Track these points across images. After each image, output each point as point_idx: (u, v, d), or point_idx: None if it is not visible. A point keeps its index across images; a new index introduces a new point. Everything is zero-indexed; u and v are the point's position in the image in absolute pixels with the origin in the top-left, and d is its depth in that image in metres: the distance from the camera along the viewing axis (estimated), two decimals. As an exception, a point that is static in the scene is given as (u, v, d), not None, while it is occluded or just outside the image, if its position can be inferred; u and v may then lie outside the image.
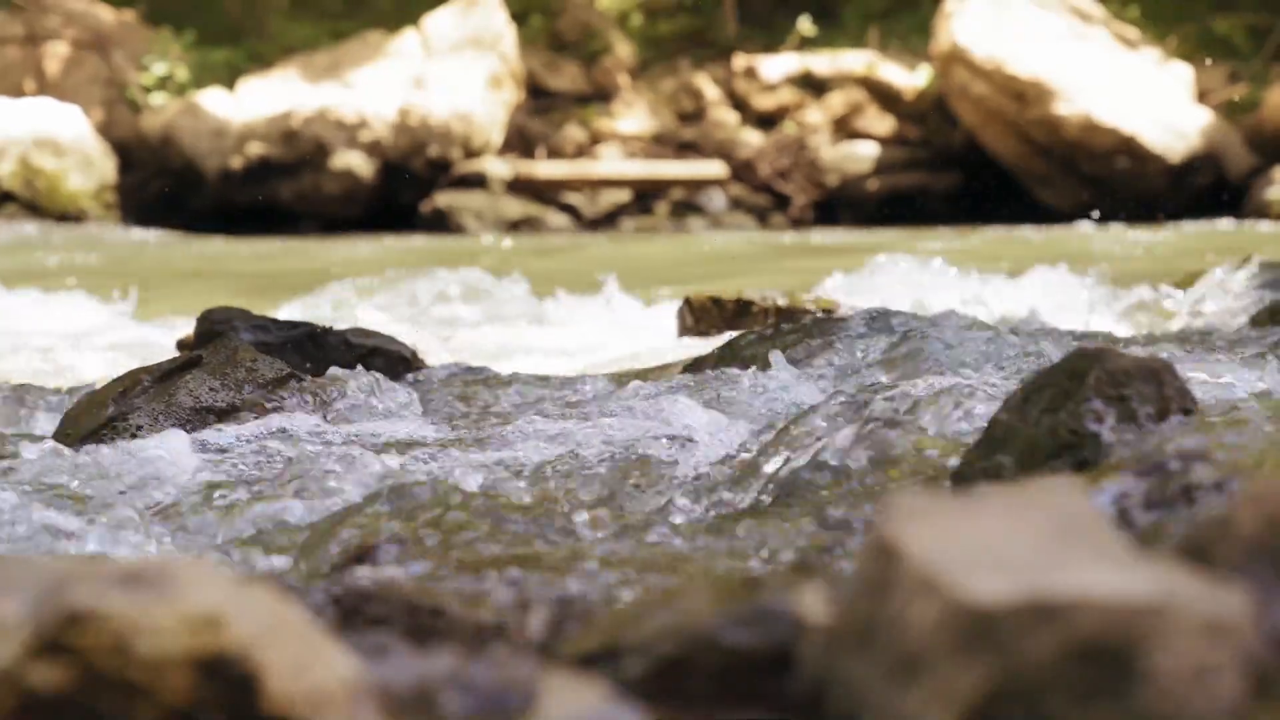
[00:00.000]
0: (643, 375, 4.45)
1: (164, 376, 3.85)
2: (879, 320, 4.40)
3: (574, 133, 20.92)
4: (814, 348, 4.26)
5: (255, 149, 19.47)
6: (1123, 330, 5.76)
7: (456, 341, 7.12)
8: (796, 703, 1.38)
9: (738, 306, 6.28)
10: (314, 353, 4.50)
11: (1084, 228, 17.03)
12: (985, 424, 2.54)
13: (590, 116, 21.12)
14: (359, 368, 4.05)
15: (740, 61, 21.40)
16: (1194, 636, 1.25)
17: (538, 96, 21.14)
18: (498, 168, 19.91)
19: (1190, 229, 16.58)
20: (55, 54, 20.75)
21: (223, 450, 3.45)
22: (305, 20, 22.07)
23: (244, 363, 3.86)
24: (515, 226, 19.43)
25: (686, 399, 3.68)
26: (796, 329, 4.42)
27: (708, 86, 21.34)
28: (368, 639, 1.53)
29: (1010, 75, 19.08)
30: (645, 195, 20.16)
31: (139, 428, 3.70)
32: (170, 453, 3.27)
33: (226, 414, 3.77)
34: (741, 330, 4.95)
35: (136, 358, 5.93)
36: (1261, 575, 1.40)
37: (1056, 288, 8.14)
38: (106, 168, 19.70)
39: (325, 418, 3.75)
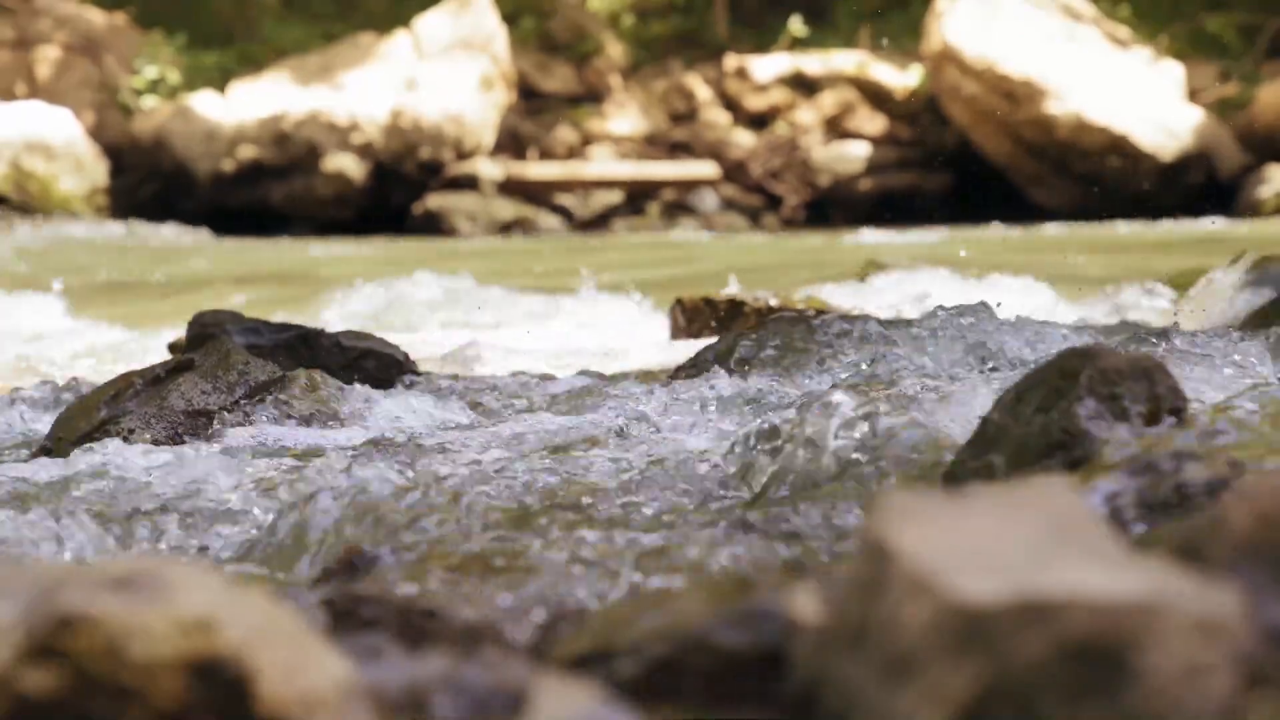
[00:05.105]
0: (635, 376, 4.45)
1: (156, 380, 3.84)
2: (870, 320, 4.40)
3: (566, 134, 20.92)
4: (805, 348, 4.26)
5: (247, 152, 19.46)
6: (1115, 329, 5.76)
7: (448, 344, 7.12)
8: (789, 703, 1.38)
9: (729, 307, 6.28)
10: (306, 355, 4.49)
11: (1076, 227, 17.04)
12: (977, 423, 2.54)
13: (582, 118, 21.12)
14: (350, 371, 4.04)
15: (731, 62, 21.40)
16: (1186, 635, 1.25)
17: (529, 98, 21.14)
18: (489, 169, 19.90)
19: (1182, 228, 16.60)
20: (46, 57, 20.73)
21: (214, 454, 3.44)
22: (296, 23, 22.06)
23: (236, 366, 3.85)
24: (507, 228, 19.43)
25: (678, 400, 3.68)
26: (788, 329, 4.42)
27: (699, 87, 21.35)
28: (360, 641, 1.53)
29: (1002, 75, 19.10)
30: (637, 196, 20.16)
31: (131, 431, 3.70)
32: (160, 457, 3.26)
33: (217, 417, 3.77)
34: (732, 331, 4.95)
35: (128, 361, 5.93)
36: (1253, 574, 1.40)
37: (1048, 287, 8.14)
38: (98, 171, 19.68)
39: (316, 421, 3.75)
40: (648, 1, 22.43)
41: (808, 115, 20.76)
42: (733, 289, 6.68)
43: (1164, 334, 3.88)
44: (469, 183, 19.81)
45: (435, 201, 19.65)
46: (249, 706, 1.26)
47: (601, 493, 2.89)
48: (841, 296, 7.39)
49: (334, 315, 8.52)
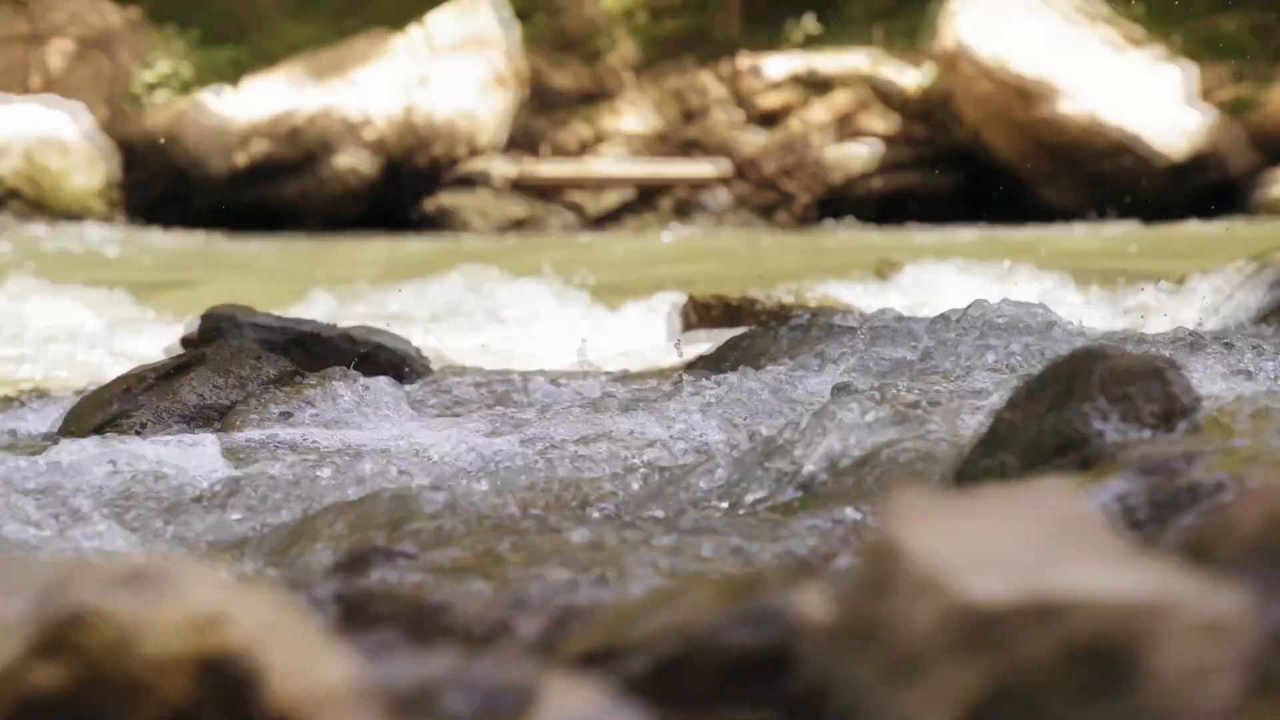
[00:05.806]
0: (644, 375, 4.46)
1: (167, 375, 3.85)
2: (880, 320, 4.40)
3: (576, 132, 20.92)
4: (815, 347, 4.26)
5: (257, 148, 19.48)
6: (1125, 328, 5.75)
7: (457, 341, 7.12)
8: (796, 702, 1.38)
9: (739, 305, 6.28)
10: (316, 351, 4.50)
11: (1086, 227, 17.02)
12: (987, 423, 2.54)
13: (592, 115, 21.12)
14: (360, 366, 4.05)
15: (742, 60, 21.39)
16: (1193, 636, 1.25)
17: (540, 95, 21.13)
18: (500, 167, 19.90)
19: (1192, 228, 16.57)
20: (58, 52, 20.75)
21: (225, 449, 3.45)
22: (308, 19, 22.06)
23: (246, 361, 3.86)
24: (517, 226, 19.43)
25: (687, 398, 3.68)
26: (798, 328, 4.43)
27: (710, 85, 21.34)
28: (369, 638, 1.53)
29: (1013, 74, 19.09)
30: (647, 194, 20.15)
31: (142, 426, 3.70)
32: (172, 451, 3.27)
33: (229, 412, 3.77)
34: (743, 329, 4.95)
35: (139, 356, 5.94)
36: (1262, 574, 1.40)
37: (1058, 287, 8.13)
38: (109, 167, 19.70)
39: (327, 416, 3.75)
40: (658, -1, 22.42)
41: (818, 114, 20.74)
42: (743, 287, 6.67)
43: (1175, 333, 3.88)
44: (479, 180, 19.82)
45: (445, 199, 19.66)
46: (257, 703, 1.26)
47: (608, 491, 2.90)
48: (851, 295, 7.39)
49: (343, 311, 8.52)
